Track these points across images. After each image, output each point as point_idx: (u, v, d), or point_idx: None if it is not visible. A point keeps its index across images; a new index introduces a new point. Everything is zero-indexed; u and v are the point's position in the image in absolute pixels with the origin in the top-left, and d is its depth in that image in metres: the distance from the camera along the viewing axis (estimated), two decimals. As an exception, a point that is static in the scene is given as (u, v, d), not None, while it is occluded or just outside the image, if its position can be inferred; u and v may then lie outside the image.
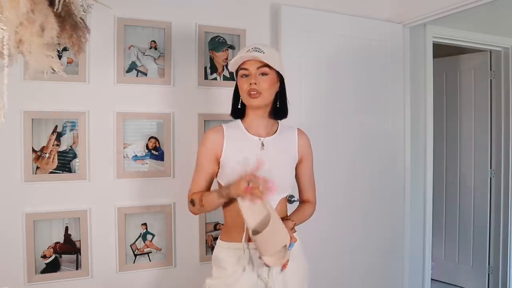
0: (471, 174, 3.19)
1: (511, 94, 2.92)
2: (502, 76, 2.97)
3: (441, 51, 3.03)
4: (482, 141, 3.13)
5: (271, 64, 1.26)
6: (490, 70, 3.07)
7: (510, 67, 2.93)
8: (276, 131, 1.37)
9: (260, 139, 1.32)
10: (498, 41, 2.85)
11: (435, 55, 2.61)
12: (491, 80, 3.07)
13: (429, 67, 2.55)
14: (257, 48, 1.28)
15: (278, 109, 1.34)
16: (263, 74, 1.27)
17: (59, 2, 0.88)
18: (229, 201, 1.28)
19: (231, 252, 1.30)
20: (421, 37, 2.53)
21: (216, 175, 1.35)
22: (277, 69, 1.29)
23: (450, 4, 2.07)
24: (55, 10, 0.88)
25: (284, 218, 1.33)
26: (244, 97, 1.29)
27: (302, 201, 1.47)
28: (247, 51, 1.27)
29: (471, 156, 3.20)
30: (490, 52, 3.04)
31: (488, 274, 3.08)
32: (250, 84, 1.25)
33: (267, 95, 1.28)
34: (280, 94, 1.34)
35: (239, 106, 1.34)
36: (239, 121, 1.36)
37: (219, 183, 1.35)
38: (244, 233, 1.25)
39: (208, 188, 1.34)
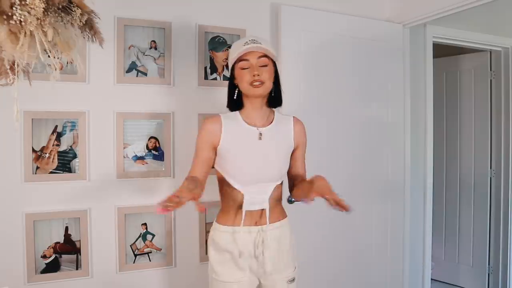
0: (471, 174, 3.19)
1: (511, 94, 2.92)
2: (502, 76, 2.97)
3: (441, 51, 3.03)
4: (482, 141, 3.12)
5: (271, 56, 1.33)
6: (490, 70, 3.07)
7: (510, 67, 2.92)
8: (273, 121, 1.40)
9: (258, 129, 1.36)
10: (498, 41, 2.84)
11: (435, 55, 2.61)
12: (491, 80, 3.07)
13: (429, 67, 2.55)
14: (254, 40, 1.32)
15: (274, 97, 1.39)
16: (263, 65, 1.31)
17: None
18: (224, 184, 1.37)
19: (228, 235, 1.34)
20: (421, 37, 2.53)
21: (214, 161, 1.38)
22: (275, 60, 1.36)
23: (450, 4, 2.07)
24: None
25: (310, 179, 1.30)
26: (245, 87, 1.32)
27: (292, 175, 1.47)
28: (246, 43, 1.30)
29: (471, 156, 3.19)
30: (490, 52, 3.03)
31: (488, 274, 3.07)
32: (254, 75, 1.29)
33: (269, 85, 1.33)
34: (275, 83, 1.38)
35: (235, 97, 1.38)
36: (237, 112, 1.39)
37: (217, 170, 1.40)
38: (243, 216, 1.31)
39: (204, 174, 1.35)
